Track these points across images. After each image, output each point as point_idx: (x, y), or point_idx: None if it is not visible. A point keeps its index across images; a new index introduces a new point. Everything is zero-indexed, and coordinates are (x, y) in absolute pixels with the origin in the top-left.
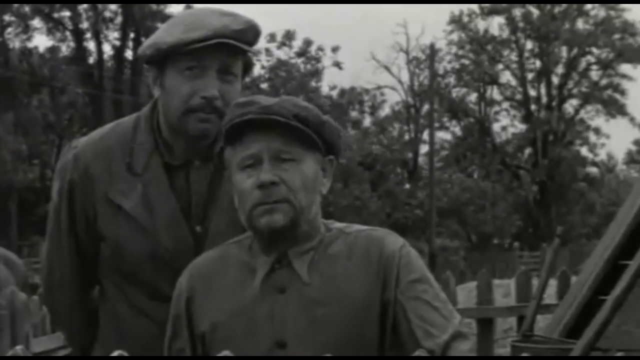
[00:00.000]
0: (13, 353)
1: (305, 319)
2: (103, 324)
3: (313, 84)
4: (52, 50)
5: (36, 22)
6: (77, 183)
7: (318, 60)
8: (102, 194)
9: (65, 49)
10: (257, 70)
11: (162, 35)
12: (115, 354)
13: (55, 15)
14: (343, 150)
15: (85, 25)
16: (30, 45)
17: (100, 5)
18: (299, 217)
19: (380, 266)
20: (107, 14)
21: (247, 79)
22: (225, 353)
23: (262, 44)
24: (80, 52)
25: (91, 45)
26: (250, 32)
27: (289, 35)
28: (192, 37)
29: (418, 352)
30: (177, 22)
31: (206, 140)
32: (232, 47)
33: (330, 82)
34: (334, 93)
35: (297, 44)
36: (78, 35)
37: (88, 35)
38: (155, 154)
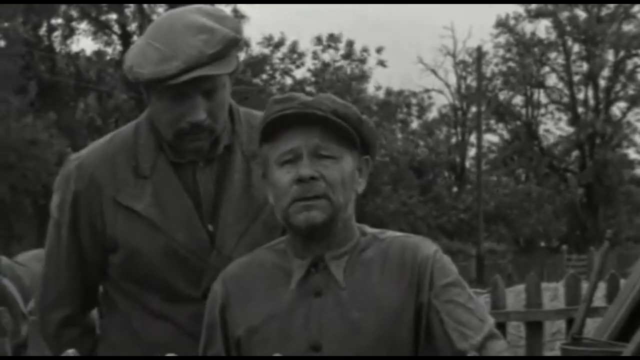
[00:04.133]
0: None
1: (341, 323)
2: (110, 331)
3: (358, 85)
4: (99, 53)
5: (83, 26)
6: (83, 193)
7: (363, 61)
8: (110, 200)
9: (111, 52)
10: (302, 73)
11: (139, 59)
12: None
13: (102, 18)
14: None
15: (132, 28)
16: (76, 49)
17: (147, 8)
18: (336, 214)
19: (414, 271)
20: (154, 17)
21: (292, 82)
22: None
23: (308, 45)
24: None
25: None
26: (229, 49)
27: (333, 38)
28: (167, 72)
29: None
30: (152, 41)
31: (201, 153)
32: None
33: (376, 82)
34: (380, 94)
35: (341, 46)
36: (125, 38)
37: (135, 38)
38: (161, 155)
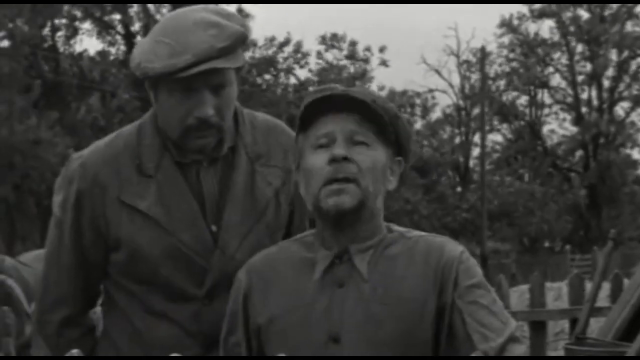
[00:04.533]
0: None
1: (361, 315)
2: (111, 331)
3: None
4: (102, 54)
5: (86, 25)
6: (86, 192)
7: (366, 61)
8: (113, 199)
9: (115, 52)
10: (304, 74)
11: (148, 55)
12: None
13: (106, 18)
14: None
15: (135, 28)
16: (80, 49)
17: (151, 8)
18: (365, 201)
19: (439, 270)
20: (158, 17)
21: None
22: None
23: (312, 46)
24: (130, 55)
25: None
26: (238, 44)
27: (337, 38)
28: (177, 65)
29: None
30: (161, 37)
31: (206, 151)
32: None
33: (379, 82)
34: (383, 94)
35: (345, 46)
36: (128, 38)
37: (139, 38)
38: (166, 154)
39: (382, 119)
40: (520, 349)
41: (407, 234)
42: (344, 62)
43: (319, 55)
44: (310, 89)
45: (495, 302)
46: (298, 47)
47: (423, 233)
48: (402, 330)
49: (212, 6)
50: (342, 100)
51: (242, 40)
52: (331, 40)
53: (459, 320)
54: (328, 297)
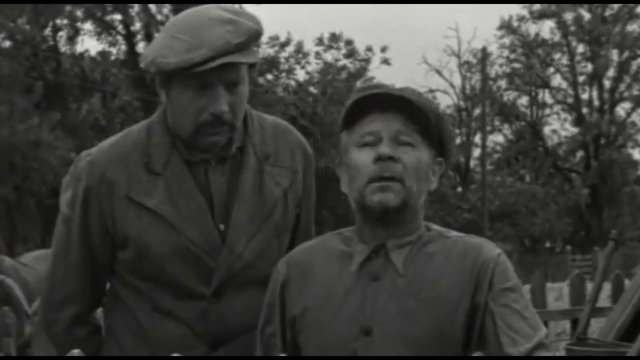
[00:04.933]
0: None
1: (394, 309)
2: (116, 329)
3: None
4: (103, 54)
5: (87, 26)
6: (94, 189)
7: (367, 61)
8: (121, 196)
9: (116, 53)
10: (303, 75)
11: (164, 52)
12: None
13: (107, 18)
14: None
15: (136, 28)
16: (81, 49)
17: (152, 8)
18: (409, 200)
19: (475, 271)
20: (159, 17)
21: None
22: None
23: (310, 46)
24: (131, 56)
25: (143, 49)
26: (253, 39)
27: (335, 38)
28: (194, 60)
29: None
30: (177, 34)
31: (217, 149)
32: (235, 62)
33: (380, 82)
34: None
35: (343, 45)
36: (129, 38)
37: (139, 38)
38: (175, 152)
39: (428, 120)
40: (547, 356)
41: (445, 233)
42: (343, 61)
43: (318, 55)
44: (311, 89)
45: (528, 308)
46: (299, 48)
47: (461, 234)
48: (434, 327)
49: (224, 5)
50: (389, 99)
51: (256, 37)
52: (329, 41)
53: (490, 322)
54: (362, 290)
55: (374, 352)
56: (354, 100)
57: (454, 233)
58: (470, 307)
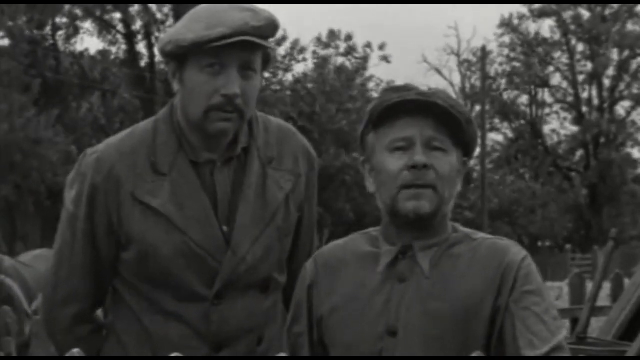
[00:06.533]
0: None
1: (419, 310)
2: (118, 329)
3: (359, 81)
4: (103, 53)
5: (87, 25)
6: (100, 186)
7: (366, 59)
8: (128, 195)
9: (116, 52)
10: (301, 68)
11: (182, 31)
12: None
13: (107, 17)
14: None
15: (136, 27)
16: (80, 48)
17: (152, 7)
18: (441, 206)
19: (499, 273)
20: (159, 16)
21: (292, 79)
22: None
23: (308, 45)
24: (131, 55)
25: (143, 48)
26: (270, 28)
27: (334, 36)
28: (213, 35)
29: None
30: (196, 18)
31: (225, 138)
32: (252, 44)
33: (378, 80)
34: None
35: (342, 43)
36: (129, 38)
37: (139, 37)
38: (181, 153)
39: (461, 125)
40: (547, 356)
41: (472, 235)
42: (341, 59)
43: (315, 54)
44: (309, 85)
45: (548, 312)
46: (295, 45)
47: (489, 236)
48: (457, 328)
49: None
50: (421, 103)
51: (274, 26)
52: (328, 39)
53: (510, 324)
54: (388, 291)
55: (399, 353)
56: (385, 105)
57: (480, 235)
58: (493, 309)
